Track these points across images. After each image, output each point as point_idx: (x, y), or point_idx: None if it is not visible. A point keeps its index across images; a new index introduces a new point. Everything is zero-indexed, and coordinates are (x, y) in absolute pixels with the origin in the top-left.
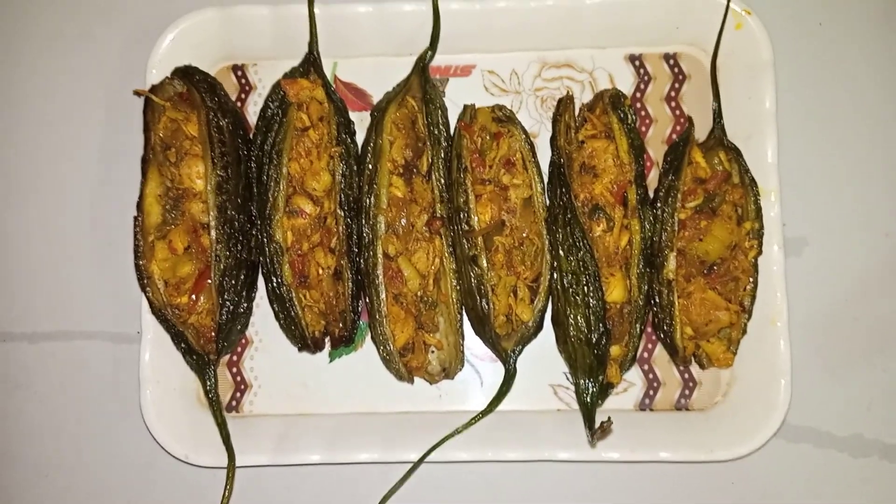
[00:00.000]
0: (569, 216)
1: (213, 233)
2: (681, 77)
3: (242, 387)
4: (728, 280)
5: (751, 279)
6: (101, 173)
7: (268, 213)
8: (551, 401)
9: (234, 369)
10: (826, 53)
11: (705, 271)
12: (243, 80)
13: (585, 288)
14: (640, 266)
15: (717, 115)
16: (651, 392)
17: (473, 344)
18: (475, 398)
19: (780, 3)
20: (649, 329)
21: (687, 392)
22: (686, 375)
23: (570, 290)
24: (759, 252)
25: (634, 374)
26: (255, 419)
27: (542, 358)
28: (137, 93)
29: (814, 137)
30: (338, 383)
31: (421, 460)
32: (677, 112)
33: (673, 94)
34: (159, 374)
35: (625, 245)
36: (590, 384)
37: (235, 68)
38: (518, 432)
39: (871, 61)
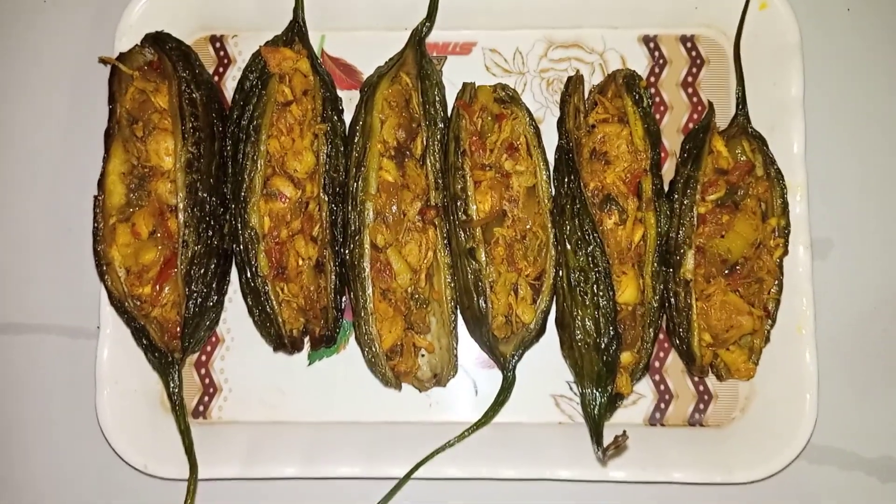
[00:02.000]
0: (577, 206)
1: (181, 216)
2: (699, 61)
3: (211, 390)
4: (751, 282)
5: (776, 281)
6: (61, 151)
7: (243, 195)
8: (553, 413)
9: (203, 370)
10: (854, 41)
11: (727, 271)
12: (221, 53)
13: (595, 287)
14: (655, 264)
15: (741, 99)
16: (662, 405)
17: (468, 348)
18: (469, 408)
19: None
20: (662, 335)
21: (702, 406)
22: (701, 388)
23: (578, 288)
24: (786, 252)
25: (644, 385)
26: (223, 426)
27: (544, 365)
28: (103, 60)
29: (839, 131)
30: (317, 389)
31: (408, 476)
32: (694, 99)
33: (690, 79)
34: (118, 373)
35: (638, 240)
36: (597, 394)
37: (213, 39)
38: (516, 447)
39: None
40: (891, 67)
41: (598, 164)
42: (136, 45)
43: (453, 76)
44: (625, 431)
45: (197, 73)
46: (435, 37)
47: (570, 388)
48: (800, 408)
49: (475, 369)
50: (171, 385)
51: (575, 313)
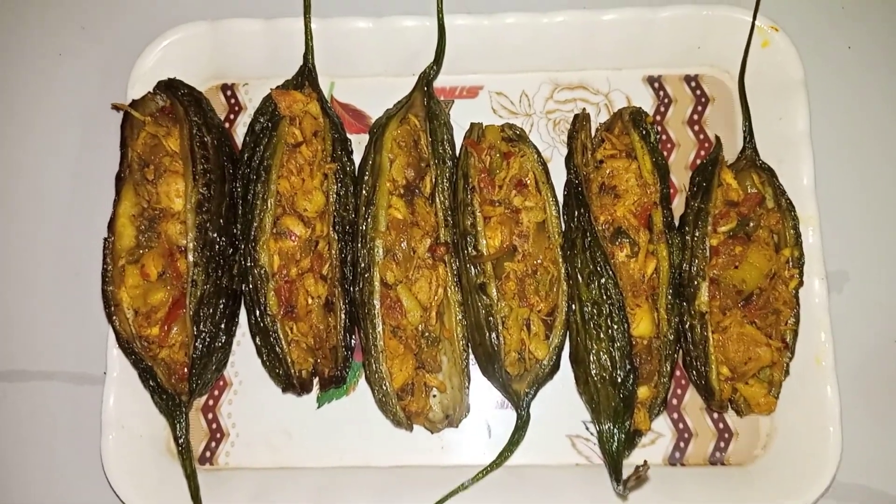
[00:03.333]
0: (588, 239)
1: (190, 256)
2: (703, 100)
3: (218, 435)
4: (768, 313)
5: (793, 312)
6: (71, 197)
7: (253, 234)
8: (569, 454)
9: (210, 415)
10: (858, 77)
11: (742, 303)
12: (233, 101)
13: (609, 319)
14: (669, 297)
15: (749, 132)
16: (682, 444)
17: (481, 389)
18: (482, 450)
19: (807, 28)
20: (679, 372)
21: (722, 444)
22: (721, 425)
23: (591, 322)
24: (801, 283)
25: (663, 424)
26: (230, 472)
27: (559, 405)
28: (116, 107)
29: (848, 165)
30: (326, 433)
31: None
32: (701, 136)
33: (696, 117)
34: (125, 418)
35: (651, 273)
36: (615, 430)
37: (224, 88)
38: (531, 490)
39: None
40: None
41: (608, 198)
42: (149, 92)
43: (461, 119)
44: (646, 461)
45: (208, 118)
46: (442, 81)
47: (587, 429)
48: (823, 444)
49: (488, 410)
50: (178, 428)
51: (589, 346)
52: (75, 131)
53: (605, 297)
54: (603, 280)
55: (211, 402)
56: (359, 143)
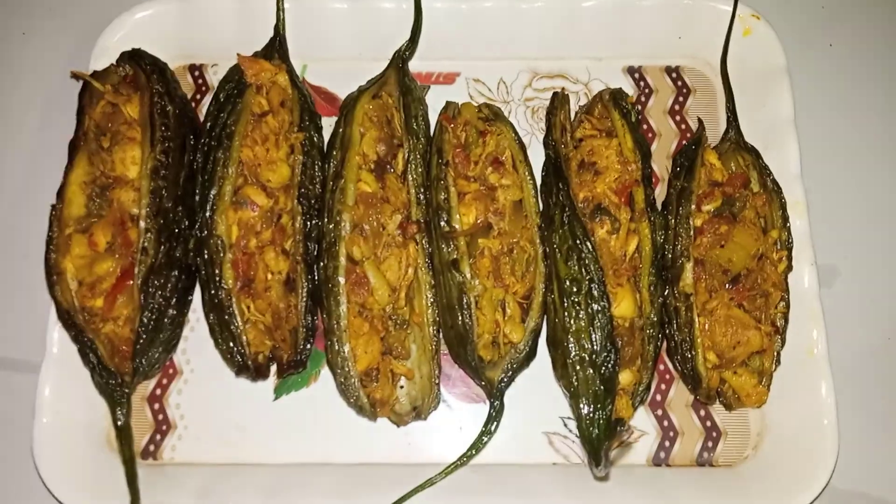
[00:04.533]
0: (567, 214)
1: (142, 222)
2: (685, 90)
3: (164, 427)
4: (756, 295)
5: (783, 295)
6: (25, 178)
7: (211, 202)
8: (546, 453)
9: (157, 405)
10: (841, 75)
11: (729, 285)
12: (200, 81)
13: (588, 297)
14: (652, 276)
15: (732, 113)
16: (667, 443)
17: (452, 383)
18: (452, 448)
19: (788, 22)
20: (662, 366)
21: (710, 444)
22: (708, 423)
23: (570, 299)
24: (790, 266)
25: (647, 422)
26: (175, 468)
27: (535, 399)
28: (75, 74)
29: (834, 157)
30: (283, 427)
31: None
32: (682, 126)
33: (677, 107)
34: (61, 402)
35: (633, 251)
36: (596, 414)
37: (192, 68)
38: (506, 489)
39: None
40: (877, 98)
41: (588, 175)
42: (112, 64)
43: (437, 105)
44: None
45: (171, 88)
46: (418, 66)
47: (565, 425)
48: (819, 446)
49: (459, 405)
50: (119, 411)
51: (568, 325)
52: (34, 112)
53: (584, 274)
54: (582, 255)
55: (158, 392)
56: (330, 125)
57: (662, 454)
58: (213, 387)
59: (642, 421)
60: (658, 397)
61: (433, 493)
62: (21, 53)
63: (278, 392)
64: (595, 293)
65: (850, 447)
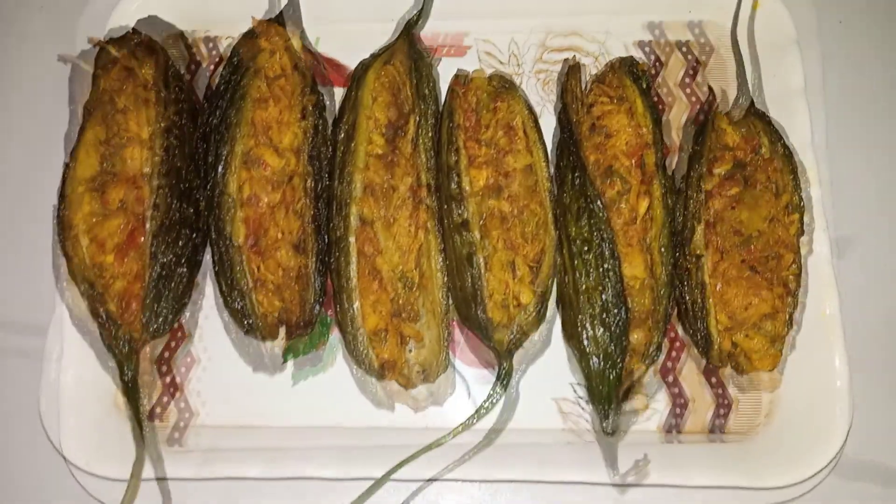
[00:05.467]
0: (577, 175)
1: (154, 180)
2: (695, 64)
3: (187, 415)
4: (769, 256)
5: (794, 257)
6: (32, 139)
7: (223, 161)
8: (556, 419)
9: (178, 394)
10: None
11: (740, 245)
12: (214, 53)
13: (598, 257)
14: (663, 238)
15: (742, 81)
16: (678, 410)
17: (468, 362)
18: (462, 413)
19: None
20: (673, 334)
21: (721, 412)
22: (720, 391)
23: (580, 258)
24: (801, 230)
25: (658, 393)
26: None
27: (545, 367)
28: (91, 41)
29: (850, 127)
30: (302, 411)
31: (387, 475)
32: (693, 98)
33: (688, 80)
34: (70, 362)
35: (644, 212)
36: (608, 371)
37: (207, 40)
38: (515, 456)
39: None
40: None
41: (599, 138)
42: (128, 31)
43: (447, 76)
44: (646, 455)
45: (184, 56)
46: (426, 28)
47: (574, 391)
48: (830, 415)
49: (476, 386)
50: (126, 368)
51: (578, 284)
52: (50, 78)
53: (594, 233)
54: (593, 215)
55: (178, 380)
56: (339, 97)
57: (673, 422)
58: (230, 374)
59: (653, 390)
60: (669, 365)
61: (441, 454)
62: (36, 27)
63: (296, 378)
64: (605, 252)
65: (862, 414)
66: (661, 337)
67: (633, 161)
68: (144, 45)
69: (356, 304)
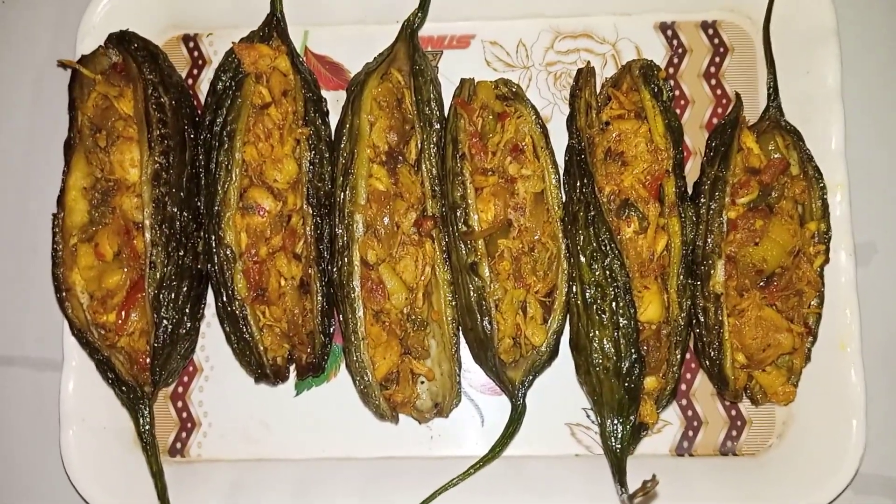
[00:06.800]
0: (591, 214)
1: (147, 234)
2: (721, 50)
3: (189, 425)
4: (790, 294)
5: (817, 293)
6: (23, 164)
7: (216, 210)
8: (569, 444)
9: (179, 403)
10: (892, 24)
11: (762, 283)
12: (196, 54)
13: (613, 304)
14: (681, 277)
15: (773, 89)
16: (690, 433)
17: (473, 372)
18: (475, 440)
19: None
20: (690, 355)
21: (734, 433)
22: (733, 412)
23: (594, 306)
24: (827, 260)
25: (671, 412)
26: (202, 465)
27: (558, 391)
28: (63, 64)
29: (880, 124)
30: (306, 421)
31: None
32: (718, 91)
33: (713, 69)
34: (86, 409)
35: (661, 250)
36: (619, 425)
37: (186, 39)
38: (528, 482)
39: None
40: None
41: (614, 166)
42: (100, 46)
43: (450, 73)
44: (654, 476)
45: (166, 75)
46: (429, 29)
47: (588, 416)
48: (845, 433)
49: (481, 396)
50: (142, 422)
51: (592, 334)
52: (26, 90)
53: (609, 279)
54: (608, 260)
55: (180, 390)
56: (336, 101)
57: (686, 443)
58: (234, 383)
59: (667, 411)
60: (683, 387)
61: (454, 488)
62: (4, 26)
63: (299, 388)
64: (621, 300)
65: (877, 430)
66: (675, 383)
67: (652, 192)
68: (120, 70)
69: (365, 356)
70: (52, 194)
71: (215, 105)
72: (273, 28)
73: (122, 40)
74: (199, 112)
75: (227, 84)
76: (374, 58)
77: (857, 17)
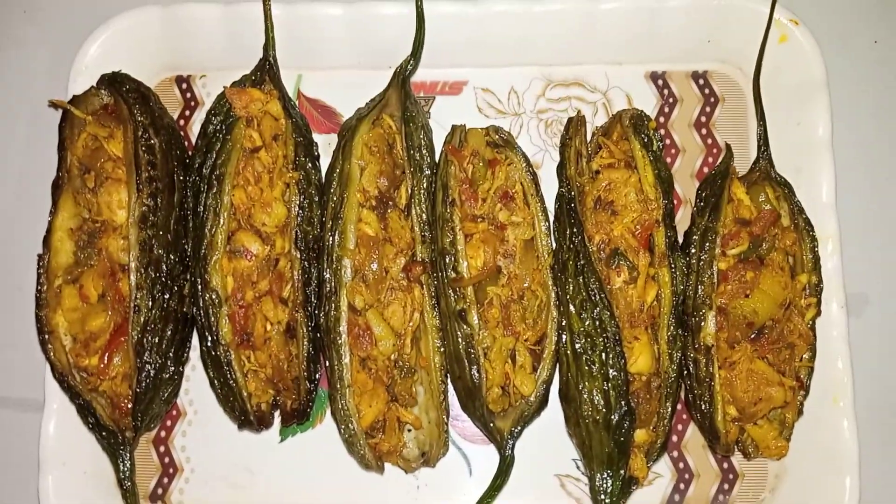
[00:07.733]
0: (581, 263)
1: (132, 277)
2: (712, 99)
3: (171, 470)
4: (781, 347)
5: (809, 346)
6: (12, 203)
7: (203, 253)
8: (558, 496)
9: (162, 448)
10: (884, 75)
11: (753, 336)
12: (188, 95)
13: (603, 355)
14: (672, 328)
15: (763, 140)
16: (682, 485)
17: (461, 421)
18: (462, 491)
19: (828, 19)
20: (681, 406)
21: (726, 486)
22: (725, 465)
23: (584, 356)
24: (818, 312)
25: (662, 464)
26: None
27: (547, 441)
28: (54, 104)
29: (871, 175)
30: (290, 469)
31: None
32: (709, 140)
33: (703, 119)
34: (66, 453)
35: (651, 301)
36: (608, 479)
37: (179, 80)
38: None
39: None
40: None
41: (604, 215)
42: (92, 86)
43: (442, 118)
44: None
45: (156, 117)
46: (422, 75)
47: (578, 468)
48: (839, 489)
49: (469, 445)
50: (122, 468)
51: (581, 385)
52: (19, 129)
53: (599, 329)
54: (597, 310)
55: (163, 434)
56: (328, 144)
57: (677, 497)
58: (217, 428)
59: (658, 463)
60: (675, 439)
61: None
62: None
63: (283, 434)
64: (610, 351)
65: (871, 487)
66: (666, 436)
67: (642, 242)
68: (111, 112)
69: (350, 404)
70: (40, 233)
71: (205, 148)
72: (265, 72)
73: (113, 81)
74: (190, 150)
75: (218, 127)
76: (367, 103)
77: (847, 69)
